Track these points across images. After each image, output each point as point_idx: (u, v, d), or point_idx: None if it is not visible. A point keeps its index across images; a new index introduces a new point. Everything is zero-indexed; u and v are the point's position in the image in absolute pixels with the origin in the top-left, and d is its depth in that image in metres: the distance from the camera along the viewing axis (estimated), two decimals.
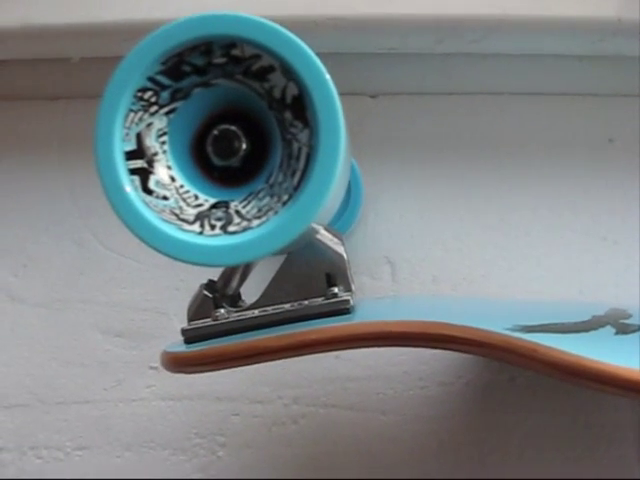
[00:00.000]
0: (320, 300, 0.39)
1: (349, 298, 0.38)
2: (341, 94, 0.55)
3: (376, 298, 0.52)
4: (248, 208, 0.27)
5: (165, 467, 0.50)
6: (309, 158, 0.26)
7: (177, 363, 0.38)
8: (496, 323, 0.35)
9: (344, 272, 0.40)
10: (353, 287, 0.40)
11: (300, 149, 0.27)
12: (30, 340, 0.52)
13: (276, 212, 0.27)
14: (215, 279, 0.40)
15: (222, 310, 0.39)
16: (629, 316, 0.39)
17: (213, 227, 0.27)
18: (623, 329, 0.36)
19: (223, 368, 0.37)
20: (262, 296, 0.40)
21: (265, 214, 0.27)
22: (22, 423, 0.51)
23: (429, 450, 0.50)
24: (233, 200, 0.28)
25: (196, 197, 0.28)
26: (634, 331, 0.35)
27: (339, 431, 0.50)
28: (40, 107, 0.54)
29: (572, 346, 0.32)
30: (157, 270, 0.52)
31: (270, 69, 0.27)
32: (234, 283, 0.42)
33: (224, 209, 0.28)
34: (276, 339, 0.36)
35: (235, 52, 0.27)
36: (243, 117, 0.28)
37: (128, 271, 0.52)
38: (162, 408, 0.51)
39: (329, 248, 0.39)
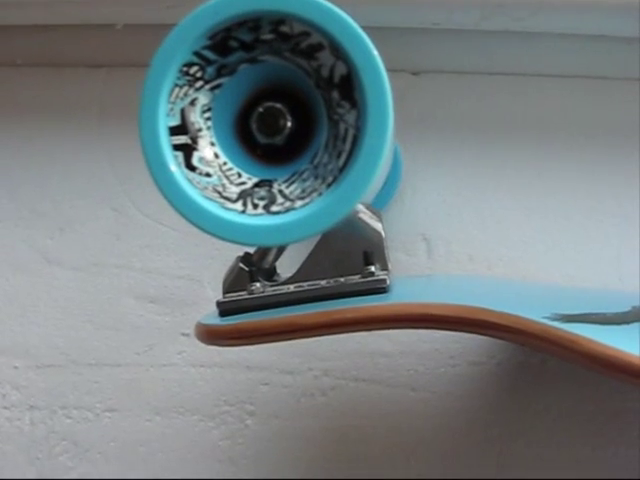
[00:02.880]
0: (357, 278, 0.38)
1: (386, 277, 0.38)
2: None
3: (411, 276, 0.51)
4: (292, 188, 0.27)
5: (193, 433, 0.51)
6: (355, 140, 0.26)
7: (211, 336, 0.38)
8: (535, 310, 0.35)
9: (381, 250, 0.39)
10: (390, 266, 0.40)
11: (347, 130, 0.26)
12: (65, 302, 0.52)
13: (320, 194, 0.26)
14: (251, 252, 0.40)
15: (257, 284, 0.39)
16: None
17: (256, 206, 0.27)
18: None
19: (257, 343, 0.37)
20: (298, 271, 0.39)
21: (309, 195, 0.27)
22: (54, 383, 0.52)
23: (457, 428, 0.50)
24: (276, 179, 0.28)
25: (239, 175, 0.28)
26: None
27: (368, 405, 0.51)
28: (82, 74, 0.54)
29: (613, 339, 0.31)
30: (193, 238, 0.52)
31: (319, 47, 0.26)
32: (270, 257, 0.41)
33: (267, 188, 0.27)
34: (312, 316, 0.36)
35: (284, 29, 0.27)
36: (289, 95, 0.28)
37: (164, 238, 0.52)
38: (192, 374, 0.51)
39: (367, 225, 0.39)
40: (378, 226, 0.39)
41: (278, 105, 0.28)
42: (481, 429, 0.50)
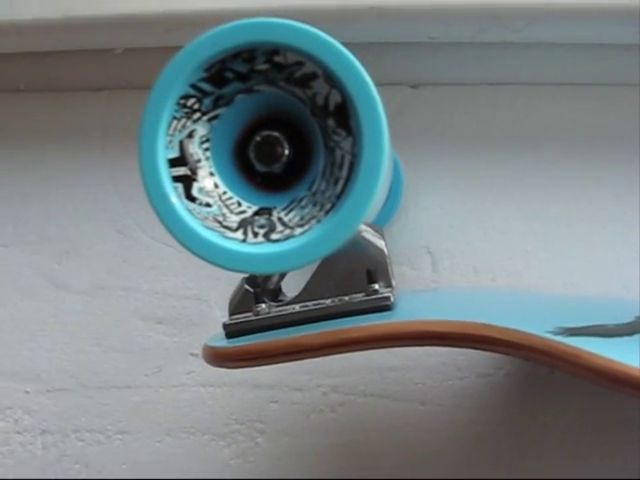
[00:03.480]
0: (361, 296, 0.39)
1: (390, 295, 0.38)
2: (382, 84, 0.55)
3: (416, 290, 0.52)
4: (291, 216, 0.27)
5: (204, 453, 0.51)
6: (352, 167, 0.26)
7: (218, 358, 0.38)
8: (538, 324, 0.35)
9: (385, 268, 0.40)
10: (394, 283, 0.40)
11: (343, 157, 0.27)
12: (73, 326, 0.53)
13: (319, 221, 0.27)
14: None
15: (263, 305, 0.39)
16: None
17: (256, 235, 0.27)
18: None
19: (264, 364, 0.38)
20: (303, 291, 0.40)
21: (308, 222, 0.27)
22: (65, 407, 0.52)
23: (467, 441, 0.51)
24: (276, 207, 0.28)
25: (239, 204, 0.28)
26: None
27: (377, 420, 0.51)
28: (84, 98, 0.55)
29: (617, 352, 0.32)
30: (199, 259, 0.52)
31: (313, 76, 0.27)
32: (275, 278, 0.42)
33: (267, 216, 0.28)
34: (318, 336, 0.36)
35: (278, 59, 0.27)
36: (286, 123, 0.28)
37: (170, 259, 0.53)
38: (202, 394, 0.52)
39: (370, 243, 0.39)
40: (381, 244, 0.40)
41: (275, 133, 0.28)
42: (491, 441, 0.50)
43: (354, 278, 0.39)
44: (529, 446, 0.50)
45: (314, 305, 0.39)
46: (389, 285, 0.40)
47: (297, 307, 0.39)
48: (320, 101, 0.27)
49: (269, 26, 0.26)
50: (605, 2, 0.48)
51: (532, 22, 0.49)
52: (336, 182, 0.27)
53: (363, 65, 0.27)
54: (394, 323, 0.36)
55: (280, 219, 0.28)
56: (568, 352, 0.32)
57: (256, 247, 0.27)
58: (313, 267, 0.39)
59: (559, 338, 0.33)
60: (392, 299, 0.38)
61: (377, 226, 0.41)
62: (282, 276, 0.43)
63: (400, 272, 0.52)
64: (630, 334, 0.35)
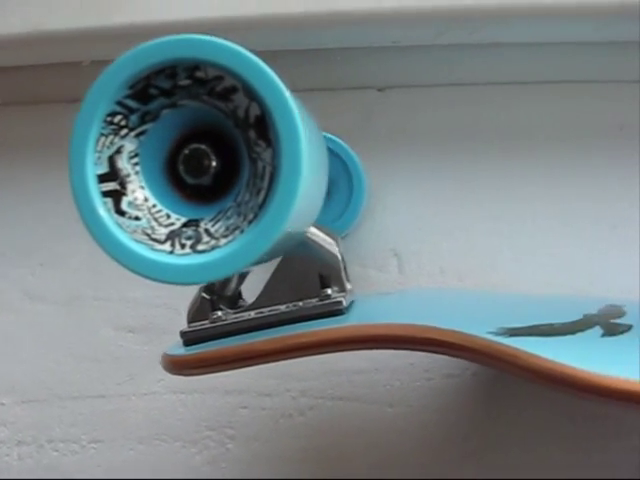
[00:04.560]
0: (314, 301, 0.39)
1: (342, 299, 0.39)
2: (349, 88, 0.56)
3: (381, 293, 0.52)
4: (217, 227, 0.28)
5: (176, 459, 0.52)
6: (272, 177, 0.27)
7: (175, 366, 0.39)
8: (484, 325, 0.36)
9: (338, 273, 0.41)
10: (348, 287, 0.41)
11: (264, 168, 0.27)
12: (47, 337, 0.54)
13: (242, 231, 0.27)
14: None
15: (219, 312, 0.40)
16: (622, 314, 0.39)
17: (183, 246, 0.28)
18: (612, 330, 0.35)
19: (219, 371, 0.38)
20: (259, 297, 0.41)
21: (232, 232, 0.28)
22: (39, 417, 0.53)
23: (436, 441, 0.51)
24: (203, 218, 0.29)
25: (168, 216, 0.29)
26: (623, 332, 0.35)
27: (346, 423, 0.51)
28: (51, 110, 0.55)
29: (555, 351, 0.32)
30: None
31: (233, 90, 0.27)
32: (232, 284, 0.43)
33: (194, 228, 0.28)
34: (266, 343, 0.37)
35: (199, 74, 0.27)
36: (213, 136, 0.29)
37: None
38: (173, 401, 0.52)
39: (323, 249, 0.40)
40: (334, 249, 0.41)
41: (203, 146, 0.29)
42: (459, 441, 0.51)
43: (308, 283, 0.40)
44: (497, 445, 0.50)
45: (269, 311, 0.40)
46: (343, 289, 0.40)
47: (253, 314, 0.40)
48: (241, 114, 0.28)
49: (188, 42, 0.27)
50: (559, 1, 0.48)
51: (487, 23, 0.50)
52: (258, 192, 0.27)
53: (281, 76, 0.27)
54: (341, 328, 0.37)
55: (207, 230, 0.28)
56: (506, 353, 0.33)
57: (183, 258, 0.28)
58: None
59: (500, 339, 0.33)
60: (344, 303, 0.39)
61: (330, 231, 0.42)
62: (239, 282, 0.43)
63: (367, 275, 0.53)
64: (573, 332, 0.35)
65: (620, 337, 0.34)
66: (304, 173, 0.26)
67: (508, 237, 0.52)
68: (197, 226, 0.28)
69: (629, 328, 0.35)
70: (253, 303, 0.41)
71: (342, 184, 0.50)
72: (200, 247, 0.28)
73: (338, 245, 0.41)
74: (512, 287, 0.52)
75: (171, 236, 0.28)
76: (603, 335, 0.34)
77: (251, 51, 0.27)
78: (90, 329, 0.53)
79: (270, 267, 0.40)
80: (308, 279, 0.40)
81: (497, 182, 0.53)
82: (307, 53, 0.54)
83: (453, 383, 0.51)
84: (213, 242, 0.28)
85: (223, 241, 0.28)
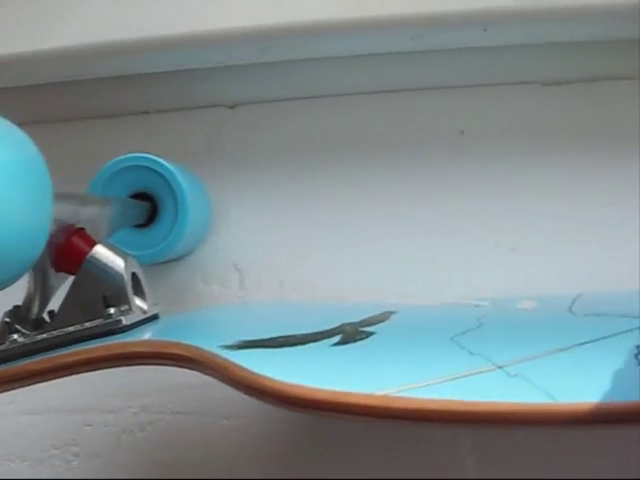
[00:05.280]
0: (99, 321, 0.41)
1: (122, 318, 0.40)
2: (200, 107, 0.57)
3: (212, 308, 0.53)
4: None
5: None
6: None
7: None
8: (231, 337, 0.37)
9: (122, 292, 0.42)
10: (134, 305, 0.42)
11: None
12: None
13: None
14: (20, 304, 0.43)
15: (15, 335, 0.42)
16: (382, 321, 0.39)
17: None
18: (351, 337, 0.36)
19: (3, 391, 0.40)
20: (54, 319, 0.42)
21: None
22: None
23: (275, 451, 0.52)
24: None
25: None
26: (362, 339, 0.36)
27: (185, 436, 0.52)
28: None
29: (272, 362, 0.33)
30: None
31: None
32: (34, 308, 0.44)
33: None
34: (38, 363, 0.39)
35: None
36: None
37: None
38: (23, 422, 0.54)
39: (108, 268, 0.42)
40: (120, 268, 0.42)
41: None
42: (297, 451, 0.52)
43: (94, 304, 0.42)
44: (335, 453, 0.51)
45: (58, 332, 0.41)
46: (127, 308, 0.42)
47: (45, 335, 0.42)
48: None
49: None
50: (374, 14, 0.49)
51: (308, 40, 0.51)
52: None
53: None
54: (101, 347, 0.39)
55: None
56: (220, 365, 0.34)
57: None
58: None
59: (225, 352, 0.35)
60: (124, 322, 0.41)
61: (120, 250, 0.43)
62: (42, 306, 0.45)
63: (210, 291, 0.54)
64: (304, 343, 0.36)
65: (353, 345, 0.35)
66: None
67: (345, 248, 0.53)
68: None
69: (368, 335, 0.36)
70: (49, 325, 0.42)
71: (169, 204, 0.51)
72: None
73: (127, 264, 0.43)
74: (350, 298, 0.53)
75: None
76: (335, 344, 0.35)
77: None
78: None
79: None
80: (95, 299, 0.42)
81: (334, 195, 0.54)
82: (157, 76, 0.55)
83: None
84: None
85: None
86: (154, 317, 0.45)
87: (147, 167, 0.50)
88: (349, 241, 0.53)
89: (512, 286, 0.49)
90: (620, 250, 0.49)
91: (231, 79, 0.56)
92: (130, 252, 0.48)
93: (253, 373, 0.32)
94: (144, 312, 0.43)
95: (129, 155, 0.50)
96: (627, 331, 0.33)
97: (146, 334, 0.41)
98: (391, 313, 0.41)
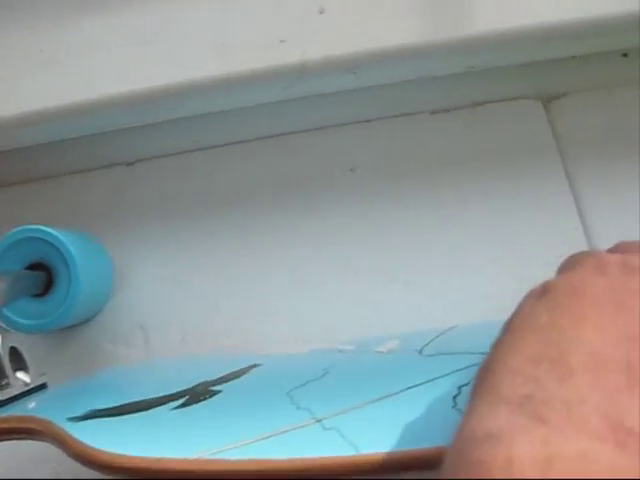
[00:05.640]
0: None
1: None
2: (99, 167, 0.58)
3: (100, 372, 0.53)
4: None
5: None
6: None
7: None
8: (80, 408, 0.37)
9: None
10: (12, 379, 0.43)
11: None
12: None
13: None
14: None
15: None
16: (240, 375, 0.40)
17: None
18: (196, 398, 0.36)
19: None
20: None
21: None
22: None
23: None
24: None
25: None
26: (205, 399, 0.36)
27: None
28: None
29: (110, 432, 0.34)
30: None
31: None
32: None
33: None
34: None
35: None
36: None
37: None
38: None
39: None
40: None
41: None
42: None
43: None
44: None
45: None
46: (8, 382, 0.43)
47: None
48: None
49: None
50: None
51: (181, 100, 0.52)
52: None
53: None
54: None
55: None
56: (61, 437, 0.34)
57: None
58: None
59: (69, 424, 0.35)
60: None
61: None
62: None
63: (117, 352, 0.54)
64: (148, 408, 0.36)
65: (190, 408, 0.35)
66: None
67: (247, 300, 0.54)
68: None
69: (212, 395, 0.36)
70: None
71: (63, 272, 0.51)
72: None
73: (3, 339, 0.44)
74: (249, 348, 0.53)
75: None
76: (176, 407, 0.35)
77: None
78: None
79: None
80: None
81: (235, 246, 0.55)
82: (53, 144, 0.56)
83: None
84: None
85: None
86: (41, 387, 0.45)
87: (39, 238, 0.51)
88: (251, 293, 0.54)
89: (388, 324, 0.49)
90: (503, 280, 0.50)
91: (127, 138, 0.57)
92: (29, 321, 0.49)
93: (83, 445, 0.33)
94: (26, 384, 0.44)
95: (20, 228, 0.51)
96: (458, 370, 0.33)
97: (30, 405, 0.42)
98: (254, 366, 0.41)
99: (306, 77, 0.50)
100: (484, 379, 0.24)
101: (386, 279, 0.52)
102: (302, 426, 0.30)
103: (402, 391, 0.32)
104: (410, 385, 0.32)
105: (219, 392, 0.36)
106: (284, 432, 0.30)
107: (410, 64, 0.51)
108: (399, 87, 0.54)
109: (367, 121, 0.56)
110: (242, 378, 0.39)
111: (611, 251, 0.31)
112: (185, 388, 0.38)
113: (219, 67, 0.49)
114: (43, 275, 0.52)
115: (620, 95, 0.54)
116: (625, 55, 0.54)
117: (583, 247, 0.52)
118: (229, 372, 0.41)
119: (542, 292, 0.27)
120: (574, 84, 0.55)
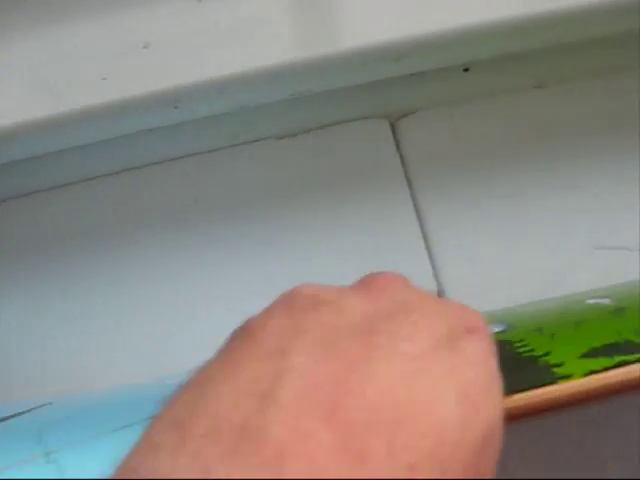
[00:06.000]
0: None
1: None
2: None
3: None
4: None
5: None
6: None
7: None
8: None
9: None
10: None
11: None
12: None
13: None
14: None
15: None
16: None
17: None
18: None
19: None
20: None
21: None
22: None
23: None
24: None
25: None
26: None
27: None
28: None
29: None
30: None
31: None
32: None
33: None
34: None
35: None
36: None
37: None
38: None
39: None
40: None
41: None
42: None
43: None
44: None
45: None
46: None
47: None
48: None
49: None
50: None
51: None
52: None
53: None
54: None
55: None
56: None
57: None
58: None
59: None
60: None
61: None
62: None
63: None
64: None
65: None
66: None
67: (94, 335, 0.53)
68: None
69: None
70: None
71: None
72: None
73: None
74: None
75: None
76: None
77: None
78: None
79: None
80: None
81: (93, 282, 0.54)
82: None
83: None
84: None
85: None
86: None
87: None
88: (95, 330, 0.53)
89: None
90: None
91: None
92: None
93: None
94: None
95: None
96: None
97: None
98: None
99: (131, 113, 0.49)
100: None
101: (227, 308, 0.51)
102: None
103: None
104: None
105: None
106: None
107: (246, 91, 0.51)
108: (240, 115, 0.53)
109: (210, 151, 0.55)
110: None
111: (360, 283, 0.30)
112: None
113: (43, 108, 0.49)
114: None
115: (464, 110, 0.54)
116: (466, 70, 0.54)
117: (426, 262, 0.51)
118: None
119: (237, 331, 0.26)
120: (419, 101, 0.55)
